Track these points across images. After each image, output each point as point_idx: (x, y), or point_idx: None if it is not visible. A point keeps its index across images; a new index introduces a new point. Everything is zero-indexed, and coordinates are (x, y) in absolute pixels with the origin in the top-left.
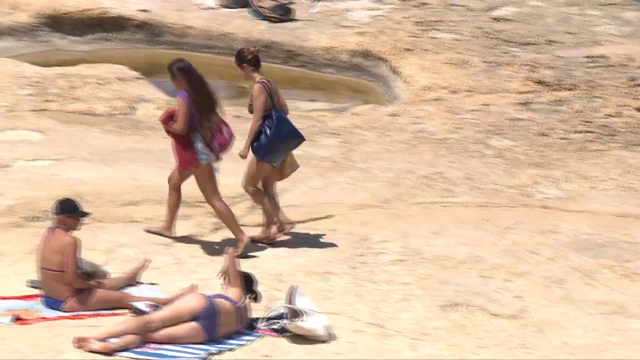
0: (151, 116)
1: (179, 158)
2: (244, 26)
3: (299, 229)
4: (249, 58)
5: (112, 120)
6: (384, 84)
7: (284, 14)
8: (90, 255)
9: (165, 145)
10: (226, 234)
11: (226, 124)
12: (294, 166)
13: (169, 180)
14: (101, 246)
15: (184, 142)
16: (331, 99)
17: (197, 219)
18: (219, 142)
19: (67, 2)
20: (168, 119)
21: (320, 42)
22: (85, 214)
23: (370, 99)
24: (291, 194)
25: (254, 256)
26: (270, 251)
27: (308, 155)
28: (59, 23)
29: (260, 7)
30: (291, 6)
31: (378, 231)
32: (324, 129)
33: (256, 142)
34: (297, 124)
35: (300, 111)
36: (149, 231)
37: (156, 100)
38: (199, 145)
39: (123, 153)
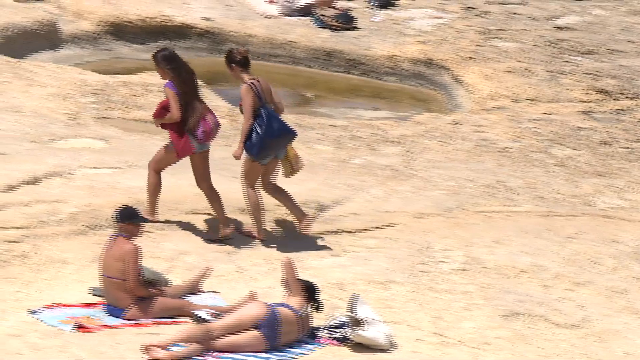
0: None
1: (175, 147)
2: (306, 34)
3: (360, 237)
4: (238, 59)
5: None
6: (446, 92)
7: (346, 23)
8: (151, 262)
9: (226, 153)
10: (288, 241)
11: (211, 112)
12: (300, 162)
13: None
14: (163, 254)
15: (178, 131)
16: (393, 107)
17: (257, 226)
18: (204, 130)
19: (130, 10)
20: (162, 112)
21: (382, 50)
22: (145, 220)
23: (432, 107)
24: (353, 202)
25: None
26: (331, 260)
27: (370, 164)
28: (122, 31)
29: (322, 15)
30: (353, 14)
31: (439, 240)
32: (386, 137)
33: (248, 142)
34: (359, 133)
35: (362, 119)
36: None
37: (218, 109)
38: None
39: (185, 161)
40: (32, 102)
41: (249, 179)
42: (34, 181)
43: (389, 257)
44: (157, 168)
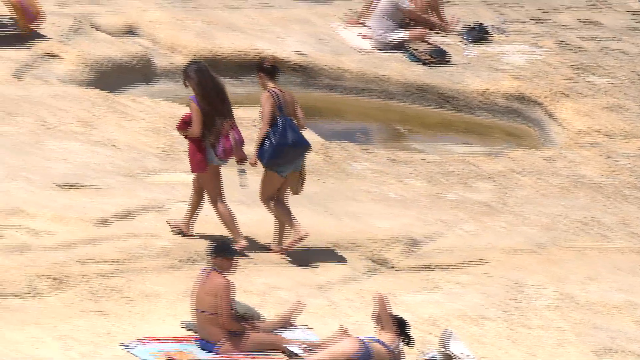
0: (306, 159)
1: (190, 161)
2: (399, 69)
3: (452, 273)
4: (265, 66)
5: None
6: (539, 127)
7: (439, 57)
8: (244, 297)
9: (319, 188)
10: (380, 276)
11: (236, 130)
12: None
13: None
14: (255, 288)
15: (197, 146)
16: (486, 142)
17: (351, 262)
18: (224, 147)
19: (224, 44)
20: (183, 125)
21: (475, 85)
22: (239, 255)
23: (525, 142)
24: (445, 238)
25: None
26: (423, 295)
27: (462, 199)
28: (215, 65)
29: (415, 50)
30: (447, 49)
31: (532, 276)
32: (479, 172)
33: (261, 149)
34: (451, 168)
35: (455, 155)
36: (169, 223)
37: (311, 144)
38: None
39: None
40: (126, 136)
41: (265, 190)
42: (128, 215)
43: (482, 293)
44: (216, 198)
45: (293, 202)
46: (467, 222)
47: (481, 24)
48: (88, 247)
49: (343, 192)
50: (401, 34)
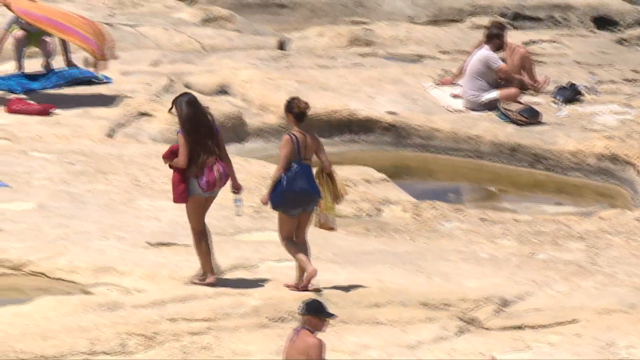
0: (397, 218)
1: (173, 191)
2: (490, 129)
3: (543, 333)
4: (294, 111)
5: (358, 222)
6: (631, 188)
7: (531, 117)
8: (334, 356)
9: (411, 247)
10: (471, 336)
11: (221, 163)
12: (331, 223)
13: None
14: (345, 348)
15: (182, 176)
16: (577, 202)
17: (441, 322)
18: (207, 180)
19: (316, 103)
20: (170, 155)
21: (567, 145)
22: (331, 315)
23: (617, 203)
24: (536, 298)
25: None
26: (514, 355)
27: (553, 259)
28: (307, 124)
29: (507, 109)
30: (539, 109)
31: (624, 337)
32: (570, 232)
33: (274, 192)
34: (543, 228)
35: (546, 215)
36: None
37: (402, 202)
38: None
39: (368, 254)
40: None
41: (281, 230)
42: (223, 274)
43: (573, 353)
44: (196, 228)
45: (384, 261)
46: (558, 282)
47: (573, 84)
48: (179, 306)
49: (434, 251)
50: (493, 94)
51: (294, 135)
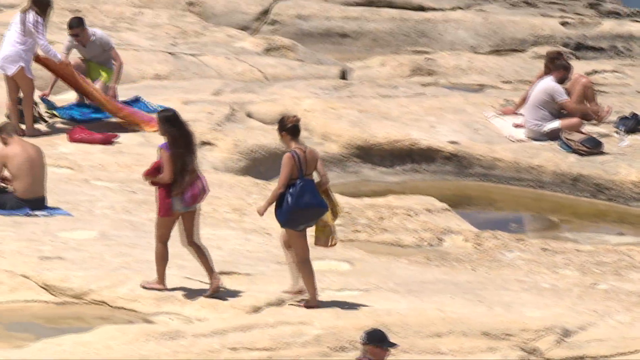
0: (458, 247)
1: (159, 206)
2: (552, 159)
3: None
4: (287, 126)
5: (419, 252)
6: None
7: (593, 147)
8: None
9: (472, 277)
10: None
11: (201, 178)
12: (332, 239)
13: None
14: None
15: (167, 191)
16: (639, 233)
17: (503, 352)
18: (192, 194)
19: (378, 133)
20: (153, 172)
21: (629, 175)
22: (393, 345)
23: None
24: (598, 328)
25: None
26: None
27: (615, 290)
28: (368, 154)
29: (569, 139)
30: (601, 139)
31: None
32: (632, 263)
33: (278, 209)
34: (604, 258)
35: (608, 245)
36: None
37: (464, 232)
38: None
39: (429, 284)
40: (278, 224)
41: (296, 248)
42: (280, 302)
43: None
44: (161, 238)
45: (445, 290)
46: (619, 313)
47: (635, 114)
48: (240, 335)
49: (495, 281)
50: (555, 124)
51: (295, 152)
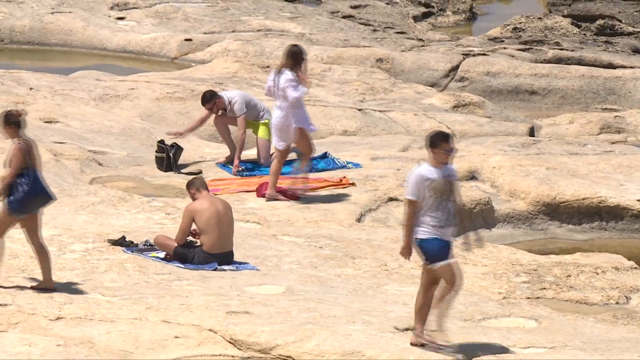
0: None
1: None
2: None
3: None
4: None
5: (607, 310)
6: None
7: None
8: None
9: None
10: None
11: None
12: None
13: None
14: None
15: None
16: None
17: None
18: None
19: (566, 190)
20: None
21: None
22: None
23: None
24: None
25: None
26: None
27: None
28: (556, 211)
29: None
30: None
31: None
32: None
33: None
34: None
35: None
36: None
37: None
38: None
39: (617, 342)
40: (465, 280)
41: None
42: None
43: None
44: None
45: (632, 349)
46: None
47: None
48: None
49: None
50: None
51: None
